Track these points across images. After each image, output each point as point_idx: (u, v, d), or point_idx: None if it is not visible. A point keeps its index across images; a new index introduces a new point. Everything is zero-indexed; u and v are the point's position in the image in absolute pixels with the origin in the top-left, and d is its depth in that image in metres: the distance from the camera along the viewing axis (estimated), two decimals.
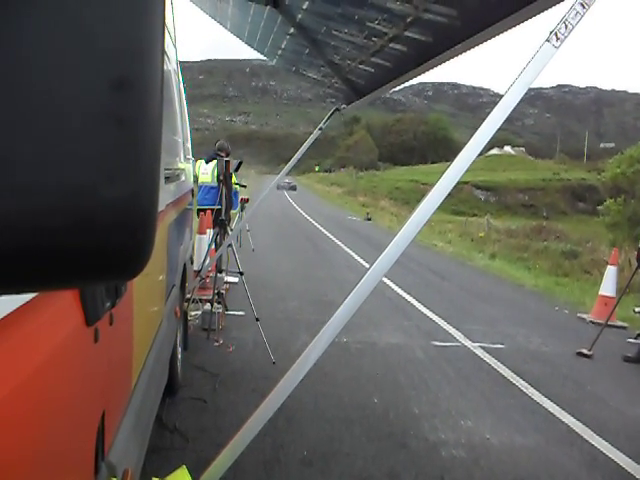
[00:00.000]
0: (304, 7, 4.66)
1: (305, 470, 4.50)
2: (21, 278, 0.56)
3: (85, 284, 0.67)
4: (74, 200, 0.53)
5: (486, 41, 3.37)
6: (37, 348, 1.36)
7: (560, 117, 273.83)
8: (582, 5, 2.11)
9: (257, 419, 2.60)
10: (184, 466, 2.33)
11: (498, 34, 3.18)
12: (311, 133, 6.62)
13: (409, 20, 3.97)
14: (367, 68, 5.46)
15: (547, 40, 2.15)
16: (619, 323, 10.44)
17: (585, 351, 8.22)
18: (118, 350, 2.56)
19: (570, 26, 2.12)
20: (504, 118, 2.30)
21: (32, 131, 0.51)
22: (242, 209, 13.73)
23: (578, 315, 10.95)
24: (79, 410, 1.80)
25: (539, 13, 2.73)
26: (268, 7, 4.97)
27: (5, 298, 1.10)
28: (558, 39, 2.12)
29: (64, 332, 1.64)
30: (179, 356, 5.83)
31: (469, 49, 3.65)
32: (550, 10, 2.61)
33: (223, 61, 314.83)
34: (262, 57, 7.72)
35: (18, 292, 0.61)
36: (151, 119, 0.56)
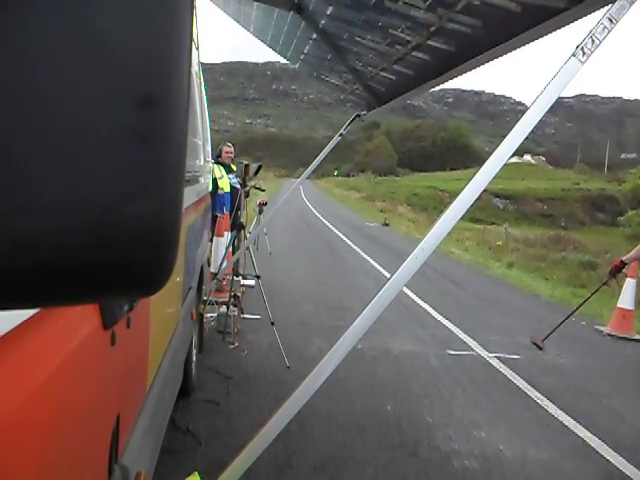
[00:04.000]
0: (327, 13, 4.67)
1: (316, 476, 4.50)
2: (48, 293, 0.56)
3: (109, 299, 0.68)
4: (99, 218, 0.53)
5: (509, 52, 3.36)
6: (55, 351, 1.37)
7: (581, 127, 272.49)
8: (610, 20, 2.09)
9: (273, 425, 2.60)
10: (196, 472, 2.34)
11: (521, 46, 3.17)
12: (330, 137, 6.63)
13: (432, 29, 3.97)
14: (389, 75, 5.46)
15: (573, 55, 2.13)
16: (637, 336, 10.36)
17: (539, 343, 8.21)
18: (134, 353, 2.57)
19: (597, 41, 2.10)
20: (528, 132, 2.29)
21: (58, 149, 0.51)
22: (260, 212, 13.76)
23: (595, 327, 10.87)
24: (95, 413, 1.81)
25: (563, 26, 2.72)
26: (292, 12, 4.99)
27: None
28: (584, 54, 2.11)
29: (81, 336, 1.65)
30: (194, 358, 5.85)
31: (491, 60, 3.65)
32: (575, 23, 2.60)
33: (244, 63, 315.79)
34: (284, 60, 7.75)
35: (45, 306, 0.62)
36: (176, 137, 0.56)
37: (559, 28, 2.73)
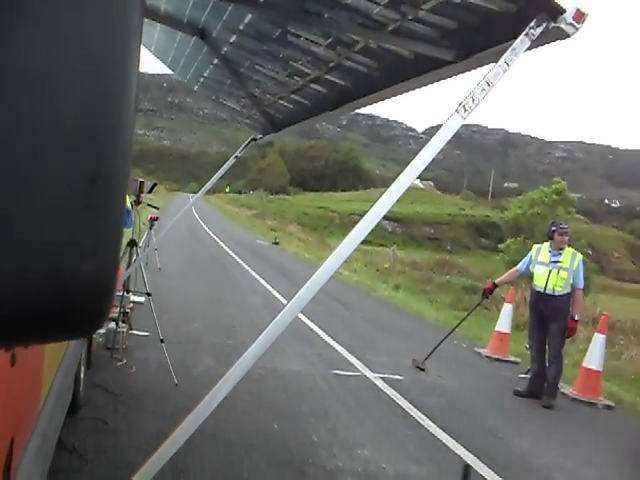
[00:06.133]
0: (231, 41, 4.80)
1: None
2: (12, 335, 0.67)
3: (57, 340, 0.78)
4: (52, 275, 0.63)
5: (400, 94, 3.60)
6: None
7: (469, 155, 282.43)
8: (487, 83, 2.34)
9: (165, 449, 2.64)
10: None
11: (412, 89, 3.41)
12: (224, 153, 6.80)
13: (331, 65, 4.17)
14: (286, 104, 5.64)
15: (456, 111, 2.37)
16: (512, 358, 10.92)
17: (421, 365, 8.71)
18: (30, 373, 2.58)
19: (477, 100, 2.35)
20: (415, 175, 2.50)
21: (14, 217, 0.62)
22: (151, 227, 13.58)
23: (475, 349, 11.37)
24: None
25: (450, 77, 2.98)
26: (195, 37, 5.08)
27: None
28: (466, 111, 2.35)
29: None
30: (82, 375, 5.77)
31: (384, 99, 3.89)
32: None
33: (140, 74, 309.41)
34: None
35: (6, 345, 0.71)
36: (118, 206, 0.67)
37: (446, 78, 2.99)
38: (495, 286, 9.39)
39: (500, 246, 36.68)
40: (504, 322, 11.24)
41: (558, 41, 2.44)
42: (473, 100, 2.33)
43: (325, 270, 2.71)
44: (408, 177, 2.49)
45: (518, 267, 9.42)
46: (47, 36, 0.59)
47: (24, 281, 0.62)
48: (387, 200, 2.57)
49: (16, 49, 0.58)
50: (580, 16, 2.31)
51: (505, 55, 2.34)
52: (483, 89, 2.34)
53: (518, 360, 10.83)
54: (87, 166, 0.62)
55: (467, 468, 4.56)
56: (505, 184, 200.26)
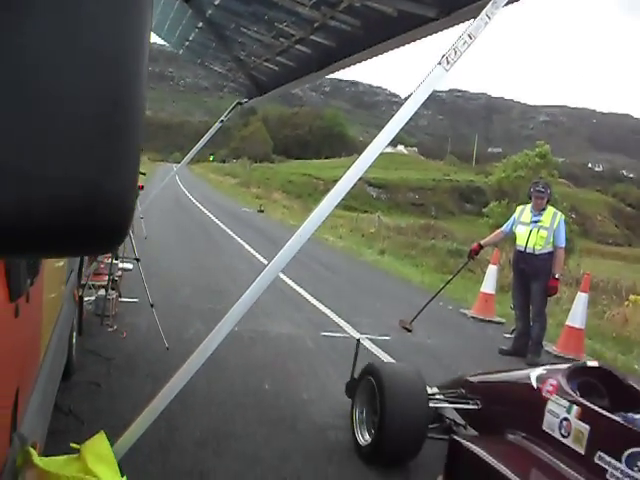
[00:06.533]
0: (215, 3, 4.81)
1: (199, 451, 4.67)
2: (38, 246, 0.74)
3: (84, 254, 0.85)
4: (81, 190, 0.71)
5: (385, 52, 3.66)
6: None
7: (452, 120, 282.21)
8: (469, 36, 2.41)
9: (156, 404, 2.75)
10: (102, 431, 2.46)
11: (396, 47, 3.47)
12: (207, 122, 6.83)
13: (316, 25, 4.21)
14: (271, 66, 5.67)
15: (439, 63, 2.43)
16: (497, 319, 11.09)
17: (407, 326, 8.85)
18: (32, 327, 2.66)
19: (459, 52, 2.41)
20: (400, 126, 2.57)
21: (53, 141, 0.69)
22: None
23: (460, 311, 11.54)
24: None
25: (433, 33, 3.04)
26: (179, 1, 5.09)
27: None
28: (449, 63, 2.41)
29: None
30: (74, 340, 5.85)
31: (369, 58, 3.94)
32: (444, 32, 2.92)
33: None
34: (161, 42, 7.79)
35: (30, 257, 0.78)
36: (137, 129, 0.74)
37: (430, 35, 3.05)
38: (481, 247, 9.48)
39: (484, 210, 36.81)
40: (489, 283, 11.39)
41: None
42: (455, 52, 2.39)
43: (304, 231, 2.78)
44: (392, 129, 2.56)
45: (502, 228, 9.53)
46: None
47: (55, 191, 0.68)
48: (365, 160, 2.64)
49: None
50: None
51: (486, 8, 2.40)
52: (465, 42, 2.40)
53: (503, 320, 11.00)
54: (109, 91, 0.68)
55: (358, 342, 5.65)
56: (489, 149, 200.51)
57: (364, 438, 4.94)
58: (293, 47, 4.90)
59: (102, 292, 7.81)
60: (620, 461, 3.27)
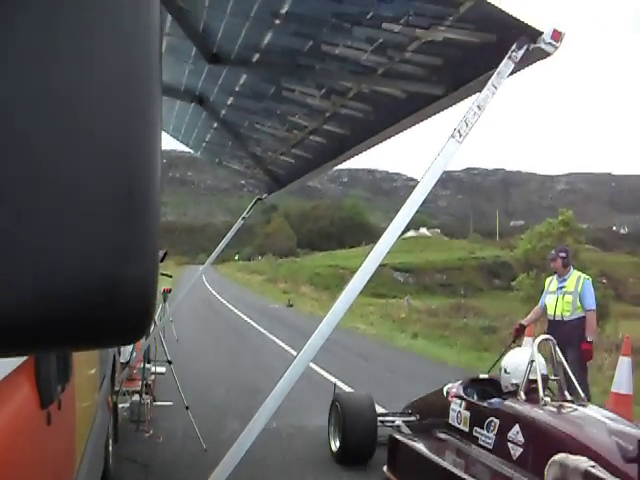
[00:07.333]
0: (228, 103, 4.96)
1: None
2: (59, 340, 0.74)
3: (105, 345, 0.84)
4: (100, 279, 0.71)
5: (397, 134, 3.73)
6: None
7: (471, 198, 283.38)
8: (478, 107, 2.45)
9: None
10: None
11: (408, 128, 3.53)
12: (229, 222, 6.90)
13: (327, 115, 4.31)
14: (288, 159, 5.79)
15: (452, 136, 2.47)
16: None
17: None
18: (65, 435, 2.62)
19: (470, 124, 2.45)
20: (418, 206, 2.58)
21: (71, 227, 0.69)
22: (165, 299, 13.62)
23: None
24: None
25: (443, 110, 3.10)
26: (193, 104, 5.25)
27: None
28: (461, 135, 2.45)
29: (21, 414, 1.73)
30: (110, 448, 5.78)
31: (382, 141, 4.01)
32: (454, 108, 2.97)
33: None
34: (181, 148, 8.00)
35: (54, 350, 0.77)
36: (154, 217, 0.74)
37: (439, 111, 3.11)
38: (523, 327, 9.34)
39: (513, 283, 36.47)
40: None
41: (541, 61, 2.56)
42: (467, 124, 2.43)
43: (331, 319, 2.77)
44: (412, 206, 2.57)
45: (539, 303, 9.44)
46: (77, 64, 0.68)
47: (76, 283, 0.68)
48: (386, 242, 2.65)
49: (47, 75, 0.67)
50: (557, 35, 2.43)
51: (492, 79, 2.45)
52: (475, 113, 2.45)
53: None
54: (123, 180, 0.69)
55: (334, 386, 7.69)
56: (511, 223, 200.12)
57: (335, 445, 6.94)
58: (307, 138, 5.01)
59: (136, 397, 7.76)
60: (483, 428, 5.50)
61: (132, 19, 0.69)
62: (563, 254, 8.92)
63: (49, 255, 0.66)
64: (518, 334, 9.19)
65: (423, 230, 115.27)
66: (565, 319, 8.55)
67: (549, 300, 8.83)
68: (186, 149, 7.82)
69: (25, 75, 0.65)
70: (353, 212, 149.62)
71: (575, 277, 8.75)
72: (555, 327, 8.67)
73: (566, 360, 8.51)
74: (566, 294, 8.61)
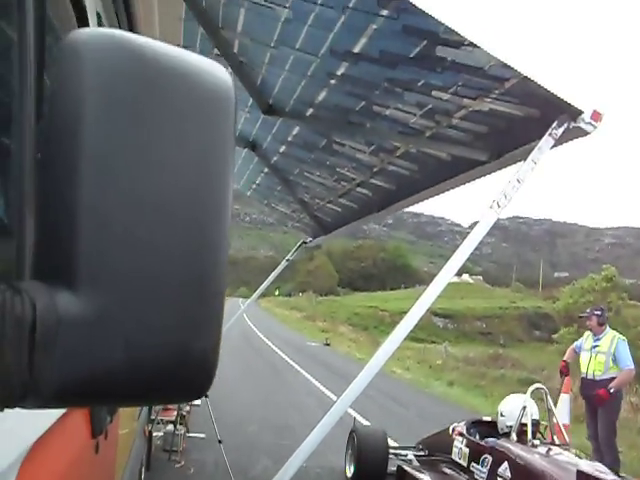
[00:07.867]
0: (280, 151, 5.16)
1: None
2: (140, 396, 0.89)
3: (177, 401, 1.00)
4: (175, 351, 0.86)
5: (440, 194, 3.87)
6: (58, 462, 1.57)
7: (516, 247, 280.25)
8: (517, 181, 2.59)
9: None
10: None
11: (450, 189, 3.68)
12: (272, 257, 7.12)
13: (375, 170, 4.48)
14: (334, 207, 5.96)
15: (490, 207, 2.60)
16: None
17: None
18: (108, 464, 2.74)
19: (509, 197, 2.59)
20: (456, 270, 2.71)
21: (161, 309, 0.84)
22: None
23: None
24: None
25: (485, 175, 3.24)
26: (246, 149, 5.46)
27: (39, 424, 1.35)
28: (499, 206, 2.58)
29: (76, 444, 1.87)
30: (142, 476, 5.89)
31: (426, 198, 4.16)
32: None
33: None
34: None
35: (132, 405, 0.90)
36: (220, 298, 0.89)
37: (482, 176, 3.25)
38: (566, 363, 9.36)
39: (554, 336, 35.95)
40: (562, 413, 11.02)
41: (579, 138, 2.69)
42: (505, 197, 2.56)
43: (371, 367, 2.89)
44: (449, 272, 2.70)
45: (573, 345, 9.45)
46: (168, 172, 0.83)
47: (157, 353, 0.83)
48: (430, 294, 2.77)
49: (135, 185, 0.82)
50: (597, 116, 2.55)
51: (532, 154, 2.58)
52: (514, 186, 2.58)
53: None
54: (198, 272, 0.84)
55: (354, 420, 8.61)
56: (555, 274, 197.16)
57: (350, 471, 7.82)
58: (354, 190, 5.18)
59: (170, 427, 7.88)
60: (478, 464, 6.29)
61: (211, 135, 0.83)
62: (598, 312, 8.91)
63: (141, 330, 0.81)
64: (566, 370, 9.19)
65: (465, 277, 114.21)
66: (597, 378, 8.51)
67: (583, 357, 8.83)
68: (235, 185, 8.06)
69: (128, 182, 0.80)
70: (396, 254, 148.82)
71: (610, 337, 8.71)
72: (587, 386, 8.64)
73: (596, 419, 8.47)
74: (599, 354, 8.57)
